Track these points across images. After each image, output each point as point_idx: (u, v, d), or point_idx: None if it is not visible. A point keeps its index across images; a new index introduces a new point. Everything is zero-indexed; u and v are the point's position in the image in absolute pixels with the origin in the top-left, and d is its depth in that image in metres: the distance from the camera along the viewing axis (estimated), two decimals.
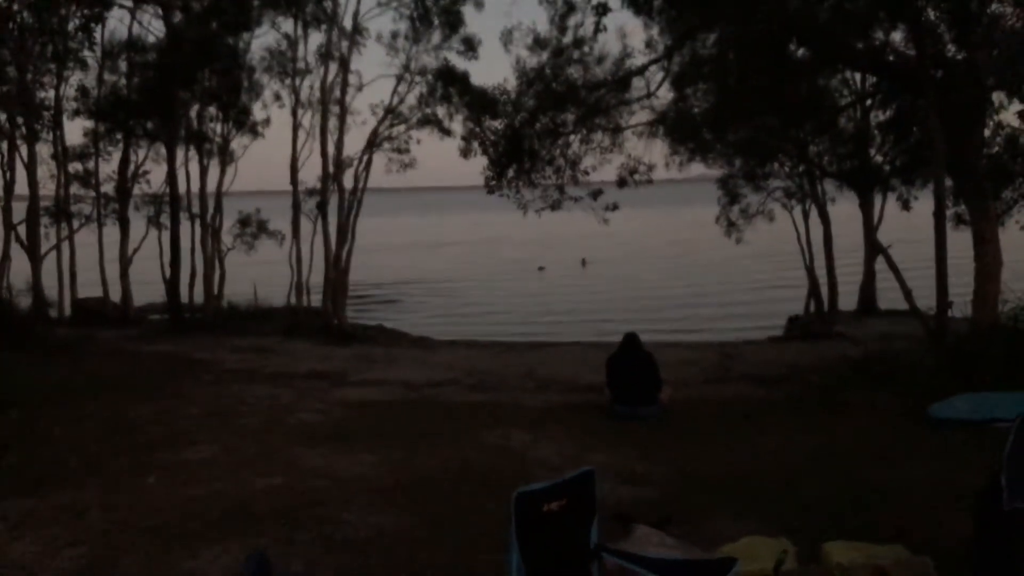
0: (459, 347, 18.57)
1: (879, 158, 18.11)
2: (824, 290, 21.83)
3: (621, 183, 17.90)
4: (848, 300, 22.83)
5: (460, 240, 60.60)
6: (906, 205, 18.14)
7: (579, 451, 8.43)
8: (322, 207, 20.27)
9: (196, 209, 21.57)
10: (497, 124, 16.38)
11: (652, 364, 10.22)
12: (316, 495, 6.98)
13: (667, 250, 49.89)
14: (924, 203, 20.23)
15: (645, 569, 3.48)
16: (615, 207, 18.29)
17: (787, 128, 16.40)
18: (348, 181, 20.40)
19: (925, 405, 9.43)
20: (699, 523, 6.04)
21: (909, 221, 25.90)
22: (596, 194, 17.67)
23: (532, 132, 15.80)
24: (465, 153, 17.29)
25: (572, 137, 16.46)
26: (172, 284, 20.37)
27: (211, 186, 21.43)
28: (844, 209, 22.51)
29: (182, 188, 20.97)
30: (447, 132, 21.26)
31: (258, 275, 24.10)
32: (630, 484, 7.16)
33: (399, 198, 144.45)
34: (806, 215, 21.05)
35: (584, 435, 9.15)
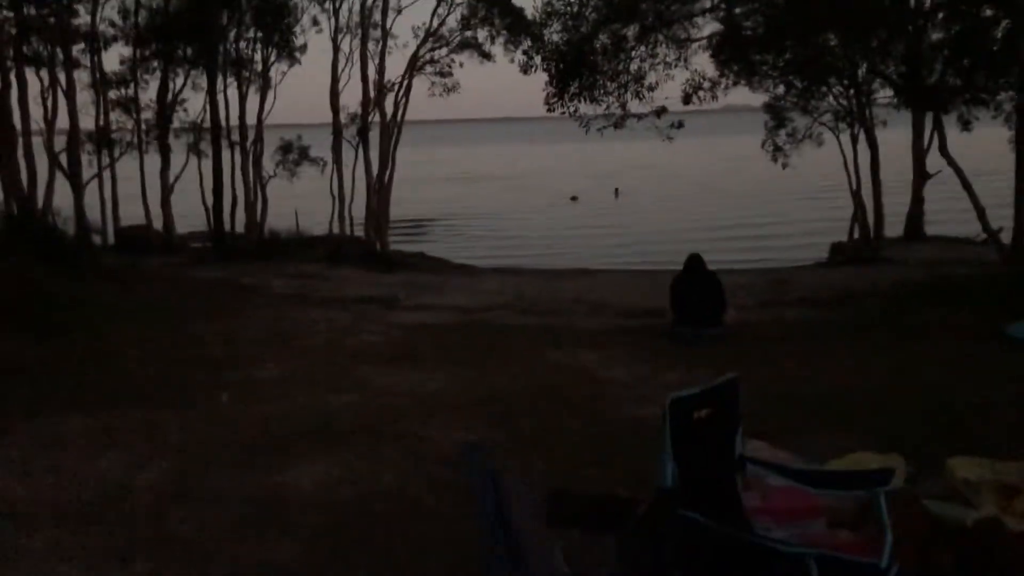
0: (504, 274, 18.48)
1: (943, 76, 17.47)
2: (870, 216, 21.44)
3: (687, 99, 17.41)
4: (893, 227, 22.42)
5: (495, 173, 59.98)
6: (966, 126, 17.59)
7: (650, 371, 8.33)
8: (363, 133, 20.05)
9: (236, 137, 21.40)
10: (557, 39, 15.88)
11: (717, 285, 10.05)
12: (395, 411, 6.94)
13: (703, 179, 49.18)
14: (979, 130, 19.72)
15: (794, 480, 3.36)
16: (680, 125, 17.81)
17: (849, 43, 15.80)
18: (388, 107, 20.12)
19: (999, 326, 9.23)
20: (794, 439, 5.92)
21: (960, 148, 25.41)
22: (660, 112, 17.15)
23: (594, 47, 15.27)
24: (525, 69, 16.73)
25: (635, 52, 15.96)
26: (216, 212, 20.35)
27: (250, 115, 21.24)
28: (889, 137, 21.94)
29: (221, 116, 20.81)
30: (487, 56, 20.87)
31: (298, 204, 24.03)
32: None
33: (439, 130, 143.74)
34: (854, 139, 20.56)
35: (652, 356, 9.03)
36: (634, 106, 17.01)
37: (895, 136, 22.32)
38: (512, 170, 62.20)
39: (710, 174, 51.75)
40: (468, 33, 20.15)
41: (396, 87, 19.96)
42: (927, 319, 10.27)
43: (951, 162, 13.48)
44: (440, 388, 7.74)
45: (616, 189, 42.26)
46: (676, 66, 16.99)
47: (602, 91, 15.96)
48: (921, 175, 20.89)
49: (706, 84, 17.40)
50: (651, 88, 16.72)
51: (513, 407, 7.03)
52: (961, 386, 7.29)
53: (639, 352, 9.25)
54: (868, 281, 15.01)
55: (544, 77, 15.98)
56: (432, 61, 20.05)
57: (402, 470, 5.65)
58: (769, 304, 13.00)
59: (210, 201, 20.64)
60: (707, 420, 3.40)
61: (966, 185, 13.38)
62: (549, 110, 16.13)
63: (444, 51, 19.90)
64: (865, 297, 13.09)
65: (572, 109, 16.06)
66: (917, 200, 21.13)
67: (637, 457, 5.72)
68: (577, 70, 15.53)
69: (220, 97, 20.76)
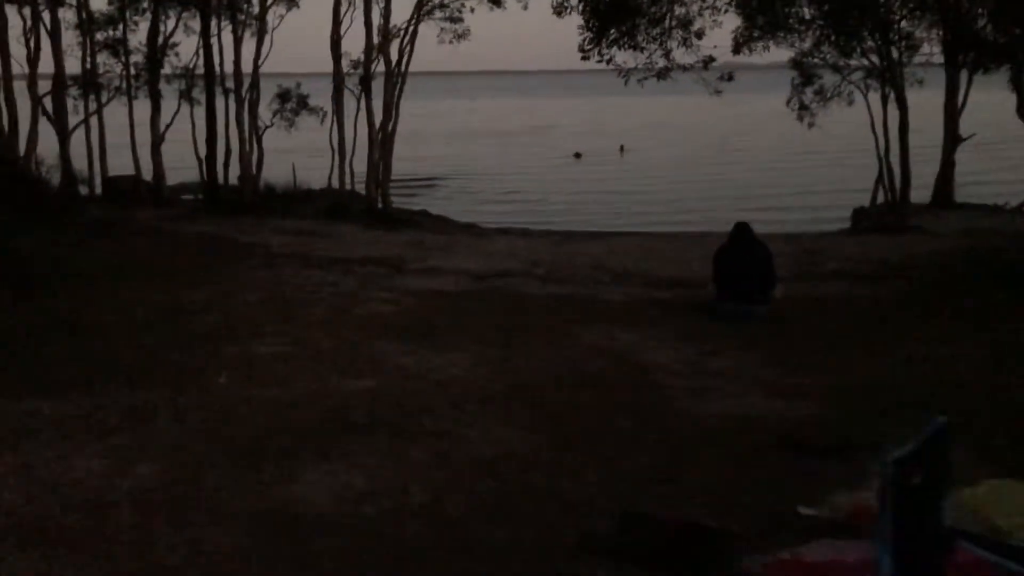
0: (513, 235, 17.49)
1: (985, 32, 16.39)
2: (895, 182, 20.44)
3: (737, 48, 16.18)
4: (918, 194, 21.43)
5: (501, 129, 58.35)
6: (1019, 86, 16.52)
7: (699, 356, 7.45)
8: (366, 82, 18.93)
9: (230, 85, 20.20)
10: None
11: (767, 257, 9.15)
12: (419, 401, 6.05)
13: (719, 138, 47.78)
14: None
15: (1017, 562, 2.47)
16: (730, 77, 16.59)
17: None
18: (394, 54, 18.96)
19: None
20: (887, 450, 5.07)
21: (991, 114, 24.32)
22: (707, 61, 15.87)
23: None
24: (559, 11, 15.37)
25: None
26: (209, 163, 19.26)
27: (246, 62, 20.02)
28: (919, 100, 20.89)
29: (215, 61, 19.64)
30: (496, 2, 19.69)
31: (296, 157, 22.92)
32: (781, 398, 6.18)
33: (447, 82, 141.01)
34: (884, 99, 19.50)
35: (695, 337, 8.14)
36: (679, 55, 15.72)
37: (924, 98, 21.24)
38: (518, 125, 60.56)
39: (727, 133, 50.35)
40: None
41: (402, 33, 18.80)
42: (989, 300, 9.39)
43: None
44: (465, 372, 6.85)
45: (621, 146, 41.01)
46: (726, 11, 15.69)
47: (645, 37, 14.73)
48: (953, 139, 19.87)
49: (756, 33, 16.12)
50: (699, 35, 15.47)
51: (551, 400, 6.15)
52: None
53: (680, 331, 8.36)
54: (904, 252, 14.10)
55: (578, 21, 14.73)
56: (442, 5, 18.87)
57: (434, 481, 4.78)
58: (804, 276, 12.07)
59: (203, 152, 19.53)
60: (920, 485, 2.50)
61: None
62: (584, 58, 14.94)
63: None
64: (907, 270, 12.19)
65: (609, 57, 14.89)
66: (947, 165, 20.13)
67: (709, 470, 4.88)
68: (618, 13, 14.20)
69: (214, 41, 19.61)
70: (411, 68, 19.50)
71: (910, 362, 7.12)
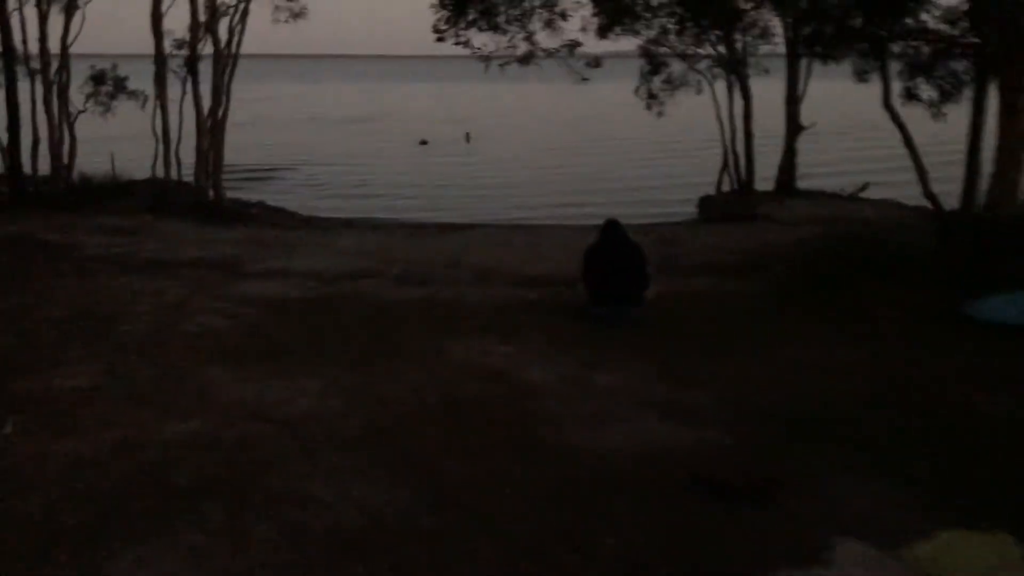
0: (360, 229, 16.31)
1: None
2: (740, 170, 20.50)
3: (603, 30, 15.39)
4: (764, 182, 21.59)
5: (343, 115, 55.90)
6: (862, 77, 16.68)
7: (582, 370, 6.65)
8: (192, 64, 17.24)
9: (36, 65, 17.97)
10: None
11: (639, 256, 8.45)
12: (260, 450, 4.96)
13: (566, 127, 47.49)
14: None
15: None
16: (597, 63, 15.81)
17: None
18: (223, 34, 17.34)
19: (957, 305, 8.12)
20: (819, 488, 4.41)
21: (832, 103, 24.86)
22: (572, 46, 15.05)
23: None
24: None
25: None
26: (11, 152, 17.07)
27: (54, 42, 17.85)
28: (764, 90, 20.99)
29: (17, 39, 17.40)
30: None
31: (116, 146, 20.81)
32: (680, 422, 5.45)
33: (284, 66, 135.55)
34: (730, 87, 19.46)
35: (574, 345, 7.35)
36: (542, 39, 14.83)
37: (768, 87, 21.36)
38: (361, 112, 58.37)
39: (577, 121, 50.20)
40: None
41: (232, 10, 17.20)
42: (860, 294, 9.06)
43: (894, 116, 12.22)
44: (316, 406, 5.78)
45: (467, 133, 40.05)
46: None
47: (505, 17, 13.77)
48: (794, 127, 20.07)
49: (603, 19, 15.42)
50: (563, 16, 14.62)
51: (422, 439, 5.19)
52: (963, 390, 6.01)
53: (556, 340, 7.55)
54: (758, 242, 13.91)
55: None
56: None
57: (285, 570, 3.74)
58: (668, 271, 11.56)
59: (5, 139, 17.33)
60: None
61: (908, 142, 12.16)
62: (439, 39, 13.84)
63: None
64: (769, 262, 11.90)
65: (465, 40, 13.85)
66: (789, 153, 20.33)
67: (621, 527, 4.06)
68: None
69: (16, 16, 17.37)
70: (251, 51, 17.97)
71: (800, 369, 6.57)
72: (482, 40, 14.30)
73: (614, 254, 8.40)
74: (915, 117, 17.62)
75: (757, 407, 5.72)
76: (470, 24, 13.72)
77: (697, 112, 23.35)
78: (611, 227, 8.61)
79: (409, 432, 5.25)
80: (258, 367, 6.60)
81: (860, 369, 6.59)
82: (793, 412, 5.58)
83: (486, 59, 14.52)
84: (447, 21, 13.79)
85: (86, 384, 6.21)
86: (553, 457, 4.89)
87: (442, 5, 13.60)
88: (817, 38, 13.47)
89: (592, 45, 21.29)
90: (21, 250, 12.17)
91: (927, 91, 15.17)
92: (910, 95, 15.52)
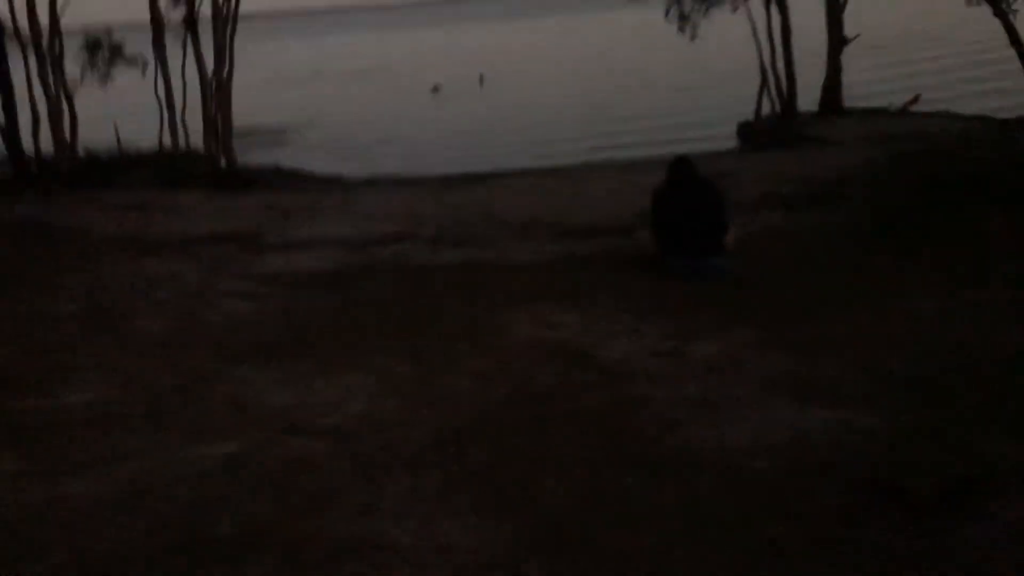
0: (382, 187, 15.34)
1: None
2: (782, 91, 19.21)
3: None
4: (802, 102, 20.24)
5: (348, 68, 54.10)
6: None
7: (673, 341, 5.67)
8: (191, 23, 16.15)
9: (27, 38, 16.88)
10: None
11: (717, 197, 7.42)
12: (312, 477, 4.04)
13: (578, 62, 45.63)
14: None
15: None
16: None
17: None
18: None
19: None
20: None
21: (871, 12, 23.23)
22: None
23: None
24: None
25: None
26: (9, 131, 16.11)
27: (44, 11, 16.74)
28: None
29: (3, 9, 16.36)
30: None
31: (119, 118, 19.78)
32: (815, 402, 4.48)
33: (282, 23, 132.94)
34: (768, 2, 18.12)
35: (655, 310, 6.37)
36: None
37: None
38: (367, 63, 56.72)
39: (593, 55, 48.32)
40: None
41: None
42: (972, 222, 7.98)
43: (999, 12, 10.80)
44: (370, 411, 4.85)
45: (480, 76, 38.53)
46: None
47: None
48: (839, 40, 18.73)
49: None
50: None
51: (504, 450, 4.24)
52: None
53: (629, 304, 6.57)
54: (820, 167, 12.80)
55: None
56: None
57: None
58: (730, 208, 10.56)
59: (1, 119, 16.37)
60: None
61: (1016, 42, 10.76)
62: None
63: None
64: (843, 190, 10.83)
65: None
66: (834, 69, 19.00)
67: (791, 559, 3.11)
68: None
69: None
70: (249, 9, 16.81)
71: (928, 322, 5.58)
72: None
73: (688, 197, 7.36)
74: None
75: (900, 376, 4.74)
76: None
77: (724, 35, 22.01)
78: (681, 165, 7.56)
79: (486, 440, 4.32)
80: (294, 363, 5.68)
81: (1007, 319, 5.57)
82: (945, 382, 4.60)
83: None
84: None
85: (100, 400, 5.32)
86: (671, 465, 3.94)
87: None
88: None
89: None
90: (23, 237, 11.28)
91: None
92: None
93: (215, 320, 6.98)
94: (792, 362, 5.12)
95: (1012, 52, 12.61)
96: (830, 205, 9.96)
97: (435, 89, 36.69)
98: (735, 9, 18.17)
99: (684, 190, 7.38)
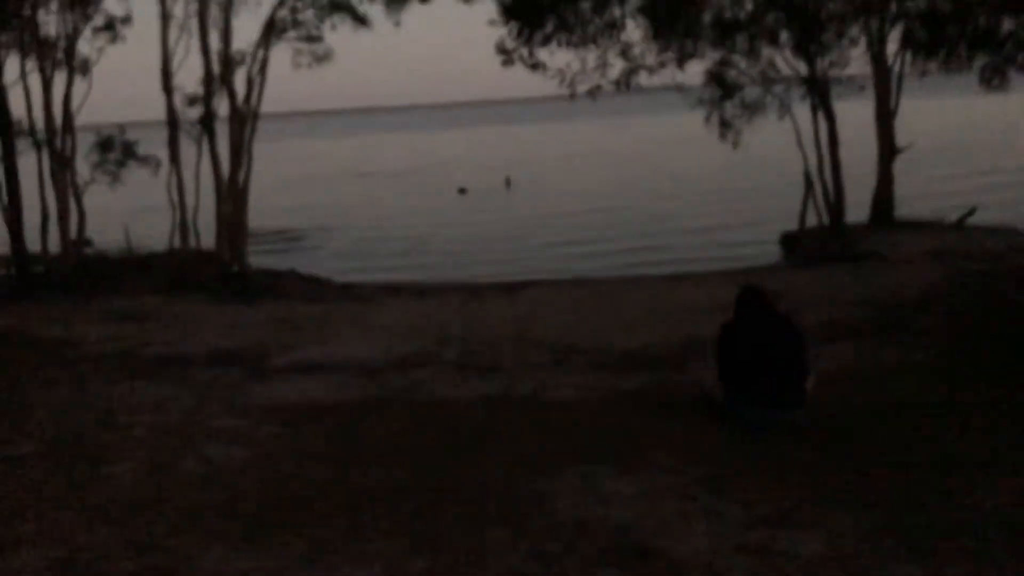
0: (406, 297, 14.28)
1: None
2: (829, 202, 18.18)
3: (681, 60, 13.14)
4: (849, 214, 19.13)
5: (374, 169, 53.89)
6: (992, 82, 14.26)
7: (762, 529, 4.42)
8: (207, 121, 15.46)
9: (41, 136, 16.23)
10: None
11: (798, 336, 6.24)
12: None
13: (608, 167, 45.01)
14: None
15: None
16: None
17: None
18: (240, 86, 15.56)
19: None
20: None
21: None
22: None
23: None
24: None
25: None
26: (14, 230, 15.31)
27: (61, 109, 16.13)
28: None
29: (19, 109, 15.74)
30: (362, 21, 16.61)
31: (133, 218, 19.05)
32: None
33: (310, 122, 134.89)
34: (815, 110, 17.28)
35: (730, 480, 5.14)
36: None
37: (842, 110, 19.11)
38: (392, 165, 56.56)
39: (624, 159, 47.83)
40: None
41: (249, 59, 15.42)
42: None
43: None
44: None
45: (507, 178, 37.91)
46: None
47: (592, 29, 11.61)
48: (890, 149, 17.82)
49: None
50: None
51: None
52: None
53: (697, 468, 5.33)
54: (885, 288, 11.66)
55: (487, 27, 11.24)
56: (295, 23, 15.57)
57: None
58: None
59: (7, 216, 15.60)
60: None
61: None
62: (506, 61, 11.65)
63: (310, 12, 15.43)
64: (914, 315, 9.67)
65: (536, 62, 11.65)
66: (885, 178, 18.03)
67: None
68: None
69: (17, 89, 15.71)
70: (272, 109, 16.15)
71: None
72: (559, 61, 12.00)
73: (765, 338, 6.16)
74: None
75: None
76: (547, 39, 11.44)
77: (760, 145, 21.11)
78: (752, 297, 6.38)
79: None
80: (280, 546, 4.47)
81: None
82: None
83: (571, 83, 12.23)
84: (518, 35, 11.55)
85: None
86: None
87: (509, 15, 11.36)
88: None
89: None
90: (9, 351, 10.25)
91: None
92: None
93: (193, 471, 5.79)
94: (919, 566, 3.86)
95: None
96: (904, 334, 8.78)
97: (461, 191, 36.11)
98: (782, 117, 17.29)
99: (758, 327, 6.20)
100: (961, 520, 4.42)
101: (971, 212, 18.01)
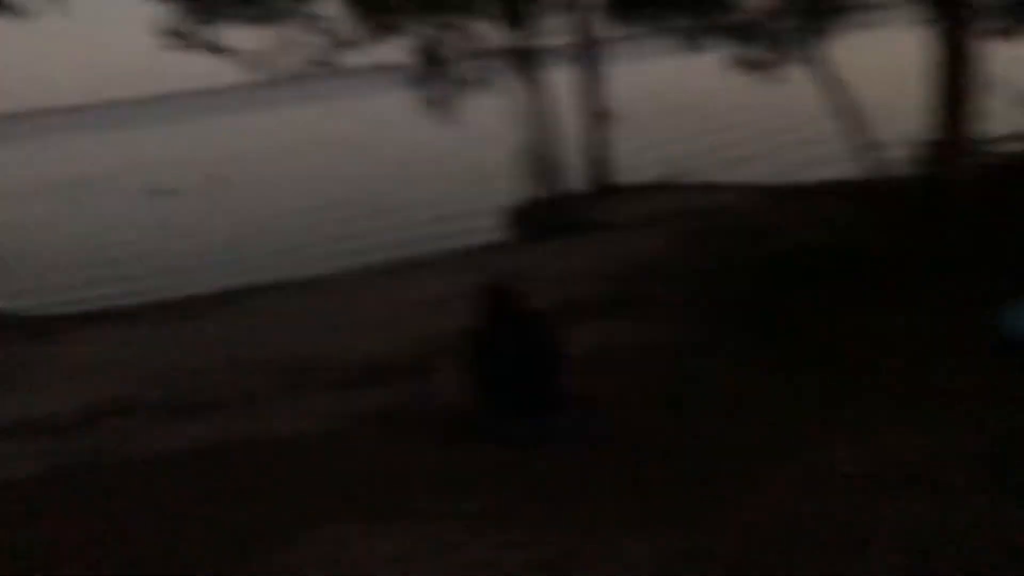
0: (99, 325, 12.31)
1: None
2: (541, 172, 18.15)
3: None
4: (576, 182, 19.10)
5: (45, 177, 47.98)
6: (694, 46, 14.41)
7: (548, 572, 3.69)
8: None
9: None
10: None
11: (550, 337, 5.54)
12: None
13: (313, 156, 42.84)
14: None
15: None
16: None
17: None
18: None
19: (966, 323, 5.95)
20: None
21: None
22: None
23: None
24: None
25: None
26: None
27: None
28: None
29: None
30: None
31: None
32: None
33: None
34: (527, 81, 17.10)
35: (502, 512, 4.37)
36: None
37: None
38: (71, 171, 50.75)
39: (327, 146, 45.71)
40: None
41: None
42: (842, 330, 6.68)
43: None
44: None
45: (206, 175, 34.76)
46: None
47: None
48: (600, 114, 18.00)
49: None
50: None
51: None
52: None
53: (463, 501, 4.53)
54: (628, 258, 11.46)
55: None
56: None
57: None
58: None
59: None
60: None
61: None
62: (179, 46, 9.92)
63: None
64: (657, 286, 9.49)
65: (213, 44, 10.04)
66: (600, 145, 18.17)
67: None
68: None
69: None
70: None
71: (868, 483, 3.97)
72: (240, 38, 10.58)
73: (508, 335, 5.44)
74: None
75: None
76: (218, 15, 9.94)
77: (482, 121, 20.66)
78: (498, 298, 5.59)
79: None
80: None
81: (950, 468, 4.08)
82: None
83: (263, 67, 10.82)
84: (189, 14, 9.97)
85: None
86: None
87: None
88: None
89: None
90: None
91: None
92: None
93: None
94: None
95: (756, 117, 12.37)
96: (648, 307, 8.52)
97: (154, 193, 32.84)
98: (494, 90, 16.95)
99: (506, 328, 5.45)
100: (773, 521, 3.93)
101: (681, 172, 18.56)
